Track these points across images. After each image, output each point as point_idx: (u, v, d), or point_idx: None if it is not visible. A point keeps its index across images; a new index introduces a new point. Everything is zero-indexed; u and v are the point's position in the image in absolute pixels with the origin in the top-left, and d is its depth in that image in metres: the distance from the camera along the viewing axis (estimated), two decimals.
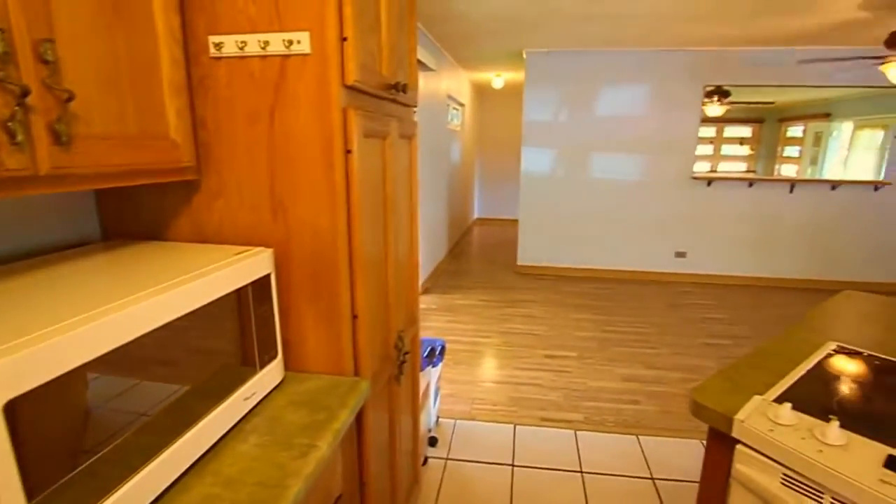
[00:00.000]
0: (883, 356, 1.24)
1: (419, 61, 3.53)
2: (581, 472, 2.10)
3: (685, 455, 2.24)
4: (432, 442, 2.22)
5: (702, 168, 9.35)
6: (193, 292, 0.76)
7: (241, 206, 1.01)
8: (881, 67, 3.40)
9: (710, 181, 5.02)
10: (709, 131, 9.08)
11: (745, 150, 9.70)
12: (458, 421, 2.46)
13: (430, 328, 3.71)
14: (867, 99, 5.75)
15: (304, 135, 0.95)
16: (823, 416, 0.94)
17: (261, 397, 0.95)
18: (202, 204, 1.03)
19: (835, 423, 0.90)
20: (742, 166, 9.58)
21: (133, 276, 0.79)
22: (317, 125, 0.94)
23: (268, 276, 0.95)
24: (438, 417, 2.42)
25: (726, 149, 9.78)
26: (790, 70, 4.59)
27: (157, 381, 0.73)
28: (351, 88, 0.97)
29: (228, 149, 0.99)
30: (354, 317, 1.04)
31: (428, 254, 4.78)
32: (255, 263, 0.92)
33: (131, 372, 0.68)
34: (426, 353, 1.90)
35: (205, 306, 0.79)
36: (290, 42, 0.92)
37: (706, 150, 9.39)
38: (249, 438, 0.85)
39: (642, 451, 2.26)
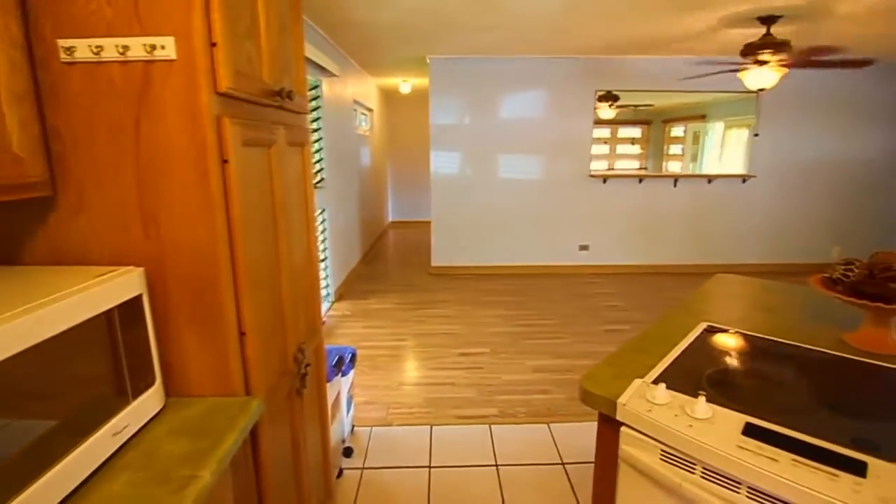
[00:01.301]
0: (746, 332, 1.40)
1: (322, 67, 3.44)
2: (496, 465, 2.17)
3: (591, 437, 2.38)
4: (347, 452, 2.17)
5: (601, 166, 10.13)
6: (43, 321, 0.67)
7: (108, 224, 0.91)
8: (739, 75, 3.87)
9: (605, 178, 5.42)
10: (604, 132, 9.84)
11: (636, 149, 10.61)
12: (374, 428, 2.43)
13: (346, 335, 3.63)
14: (733, 102, 6.52)
15: (174, 145, 0.88)
16: (694, 392, 1.02)
17: (136, 429, 0.86)
18: (60, 223, 0.91)
19: (702, 399, 0.99)
20: (636, 164, 10.47)
21: None
22: (188, 135, 0.87)
23: (139, 298, 0.87)
24: (353, 426, 2.37)
25: (621, 148, 10.63)
26: (668, 76, 5.10)
27: (23, 418, 0.65)
28: (225, 96, 0.91)
29: (89, 162, 0.89)
30: (242, 334, 0.98)
31: (341, 260, 4.67)
32: (121, 285, 0.83)
33: None
34: (334, 363, 1.85)
35: (67, 333, 0.71)
36: (153, 47, 0.84)
37: (603, 149, 10.18)
38: (121, 476, 0.77)
39: (553, 438, 2.38)
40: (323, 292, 4.05)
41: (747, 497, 0.86)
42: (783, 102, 5.24)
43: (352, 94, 5.14)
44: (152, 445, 0.84)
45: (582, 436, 2.38)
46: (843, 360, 1.21)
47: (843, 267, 1.28)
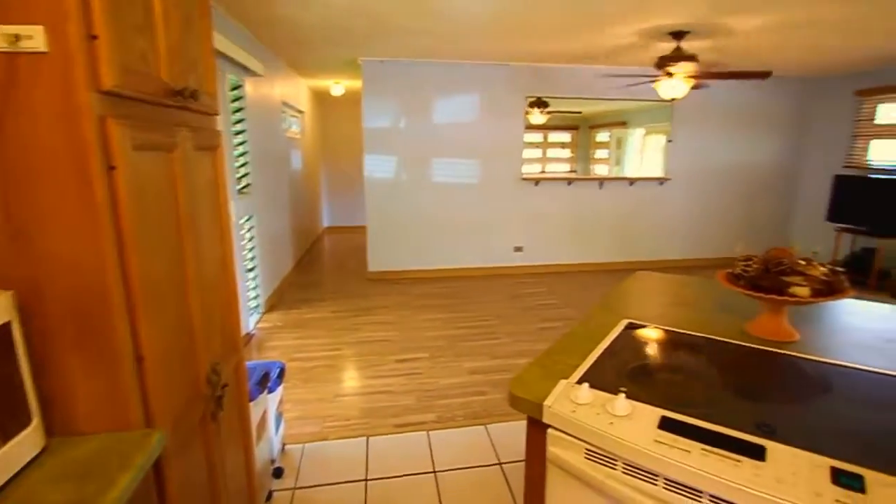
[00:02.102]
0: (663, 327, 1.47)
1: (244, 66, 3.28)
2: (434, 471, 2.15)
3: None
4: (277, 473, 2.06)
5: (534, 169, 10.48)
6: None
7: None
8: (653, 85, 4.13)
9: (537, 181, 5.58)
10: (537, 137, 10.20)
11: (566, 153, 11.08)
12: (307, 445, 2.33)
13: (277, 348, 3.47)
14: (651, 110, 6.97)
15: (49, 150, 0.78)
16: (615, 389, 1.04)
17: (6, 479, 0.75)
18: None
19: (622, 396, 1.02)
20: (567, 167, 10.93)
21: None
22: (65, 138, 0.77)
23: (6, 326, 0.76)
24: (284, 445, 2.26)
25: (552, 152, 11.05)
26: (593, 84, 5.35)
27: None
28: (111, 94, 0.82)
29: None
30: (140, 359, 0.89)
31: (272, 268, 4.47)
32: None
33: None
34: (258, 380, 1.75)
35: None
36: (18, 37, 0.74)
37: (536, 153, 10.54)
38: None
39: (490, 439, 2.39)
40: (252, 303, 3.85)
41: (664, 489, 0.90)
42: (694, 111, 5.66)
43: (280, 95, 4.95)
44: (29, 495, 0.73)
45: (518, 434, 2.40)
46: (746, 349, 1.30)
47: (742, 263, 1.38)
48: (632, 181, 5.85)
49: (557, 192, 5.66)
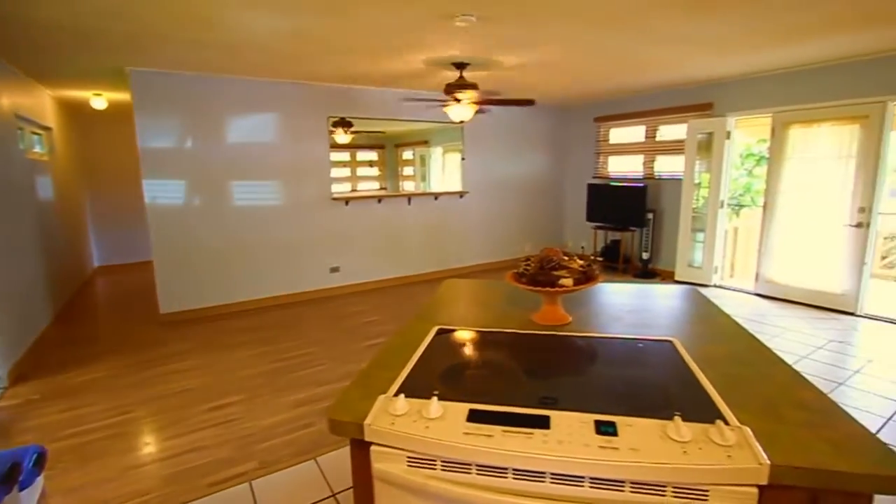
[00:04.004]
0: (469, 328, 1.61)
1: None
2: None
3: None
4: None
5: (343, 189, 10.50)
6: None
7: None
8: (444, 109, 4.54)
9: (347, 201, 5.60)
10: (345, 156, 10.25)
11: (375, 171, 11.39)
12: None
13: (34, 429, 2.72)
14: (447, 131, 7.64)
15: None
16: (429, 394, 1.10)
17: None
18: None
19: (434, 399, 1.09)
20: (376, 185, 11.22)
21: None
22: None
23: None
24: None
25: (361, 170, 11.23)
26: (394, 106, 5.63)
27: None
28: None
29: None
30: None
31: (16, 328, 3.51)
32: None
33: None
34: (2, 477, 1.34)
35: None
36: None
37: (345, 172, 10.58)
38: None
39: (321, 472, 2.29)
40: None
41: (477, 474, 0.98)
42: (481, 132, 6.43)
43: (12, 108, 3.95)
44: None
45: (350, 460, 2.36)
46: (533, 336, 1.51)
47: (524, 263, 1.61)
48: (436, 196, 6.32)
49: (369, 209, 5.77)
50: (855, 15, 3.00)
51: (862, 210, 4.33)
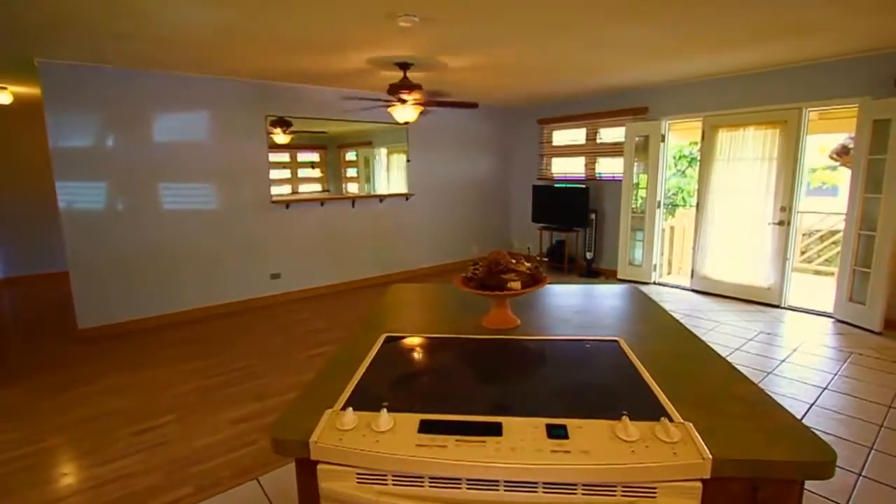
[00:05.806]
0: (418, 334, 1.57)
1: None
2: None
3: None
4: None
5: (284, 191, 10.13)
6: None
7: None
8: (388, 110, 4.48)
9: (287, 204, 5.39)
10: (285, 157, 9.89)
11: (316, 172, 11.08)
12: None
13: None
14: (391, 132, 7.55)
15: None
16: (378, 406, 1.05)
17: None
18: None
19: (384, 411, 1.04)
20: (318, 187, 10.91)
21: None
22: None
23: None
24: None
25: (303, 172, 10.88)
26: (335, 105, 5.49)
27: None
28: None
29: None
30: None
31: None
32: None
33: None
34: None
35: None
36: None
37: (285, 174, 10.21)
38: None
39: (264, 492, 2.17)
40: None
41: (430, 487, 0.95)
42: (426, 133, 6.41)
43: None
44: None
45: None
46: (483, 341, 1.50)
47: (472, 267, 1.59)
48: (381, 198, 6.23)
49: (310, 213, 5.59)
50: (778, 27, 3.25)
51: (783, 209, 4.71)
